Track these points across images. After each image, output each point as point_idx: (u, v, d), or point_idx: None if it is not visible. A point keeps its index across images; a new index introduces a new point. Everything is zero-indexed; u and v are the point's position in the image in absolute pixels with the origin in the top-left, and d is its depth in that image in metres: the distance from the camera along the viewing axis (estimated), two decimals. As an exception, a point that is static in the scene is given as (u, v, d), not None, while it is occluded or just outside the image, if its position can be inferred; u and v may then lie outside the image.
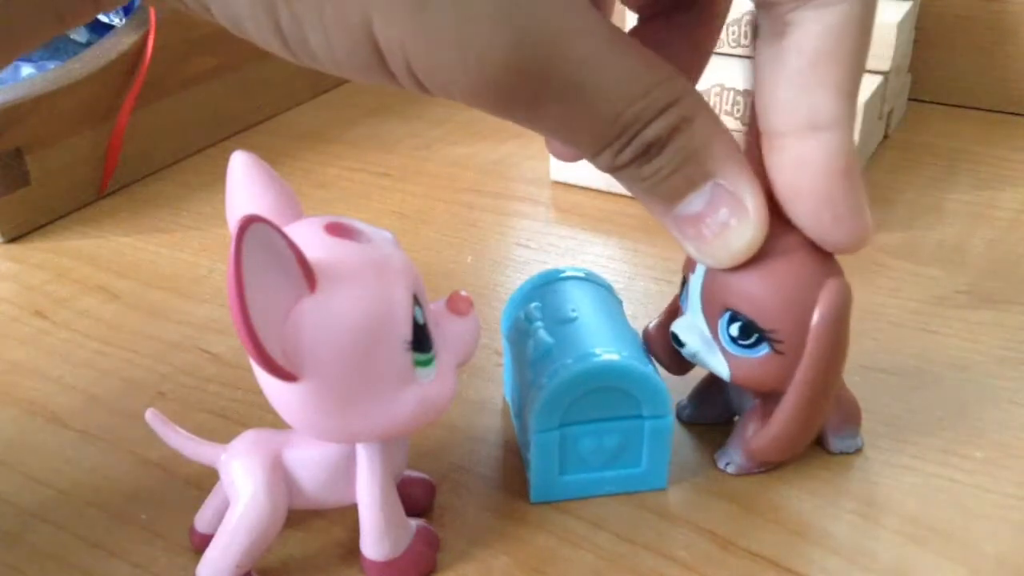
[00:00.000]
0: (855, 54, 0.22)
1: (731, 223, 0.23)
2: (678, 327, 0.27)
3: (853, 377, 0.33)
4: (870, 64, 0.49)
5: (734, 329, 0.26)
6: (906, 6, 0.51)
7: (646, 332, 0.30)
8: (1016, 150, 0.52)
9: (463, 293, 0.25)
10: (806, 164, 0.23)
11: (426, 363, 0.23)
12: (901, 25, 0.49)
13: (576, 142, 0.22)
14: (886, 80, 0.49)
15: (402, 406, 0.23)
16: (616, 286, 0.40)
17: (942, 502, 0.28)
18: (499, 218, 0.46)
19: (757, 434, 0.27)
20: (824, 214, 0.24)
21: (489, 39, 0.19)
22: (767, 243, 0.24)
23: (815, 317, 0.25)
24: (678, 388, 0.32)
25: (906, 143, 0.53)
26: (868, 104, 0.45)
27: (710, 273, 0.26)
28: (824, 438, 0.30)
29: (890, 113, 0.53)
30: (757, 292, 0.25)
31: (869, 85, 0.47)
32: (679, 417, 0.32)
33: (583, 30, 0.20)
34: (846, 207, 0.23)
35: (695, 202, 0.23)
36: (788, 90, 0.23)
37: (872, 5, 0.22)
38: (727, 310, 0.26)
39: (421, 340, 0.23)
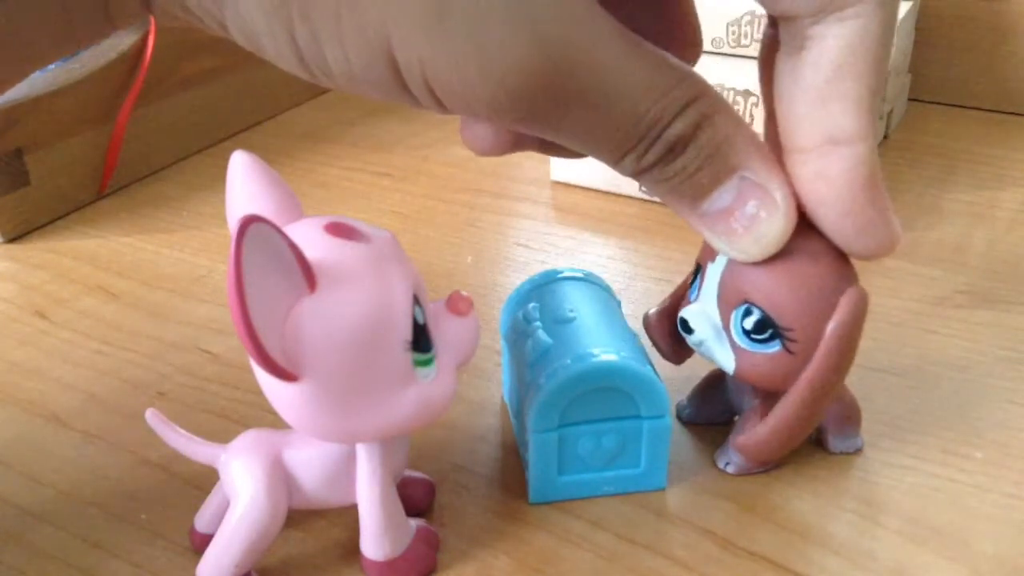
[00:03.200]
0: (874, 69, 0.22)
1: (761, 215, 0.23)
2: (688, 313, 0.27)
3: (853, 377, 0.33)
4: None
5: (749, 322, 0.26)
6: (906, 6, 0.51)
7: (646, 318, 0.30)
8: (1016, 150, 0.52)
9: (463, 293, 0.25)
10: (827, 177, 0.23)
11: (426, 363, 0.23)
12: (901, 25, 0.49)
13: (599, 148, 0.22)
14: (886, 80, 0.49)
15: (402, 406, 0.23)
16: (616, 286, 0.40)
17: (942, 502, 0.28)
18: (499, 218, 0.47)
19: (748, 431, 0.27)
20: (847, 225, 0.24)
21: (509, 49, 0.19)
22: (795, 244, 0.24)
23: (832, 323, 0.25)
24: (678, 388, 0.32)
25: (906, 143, 0.53)
26: (868, 104, 0.45)
27: (732, 264, 0.26)
28: (824, 438, 0.30)
29: (890, 113, 0.53)
30: (780, 289, 0.25)
31: (869, 85, 0.47)
32: (679, 417, 0.32)
33: (599, 34, 0.20)
34: (869, 218, 0.23)
35: (722, 197, 0.23)
36: (806, 105, 0.23)
37: (892, 20, 0.22)
38: (745, 302, 0.25)
39: (421, 340, 0.23)
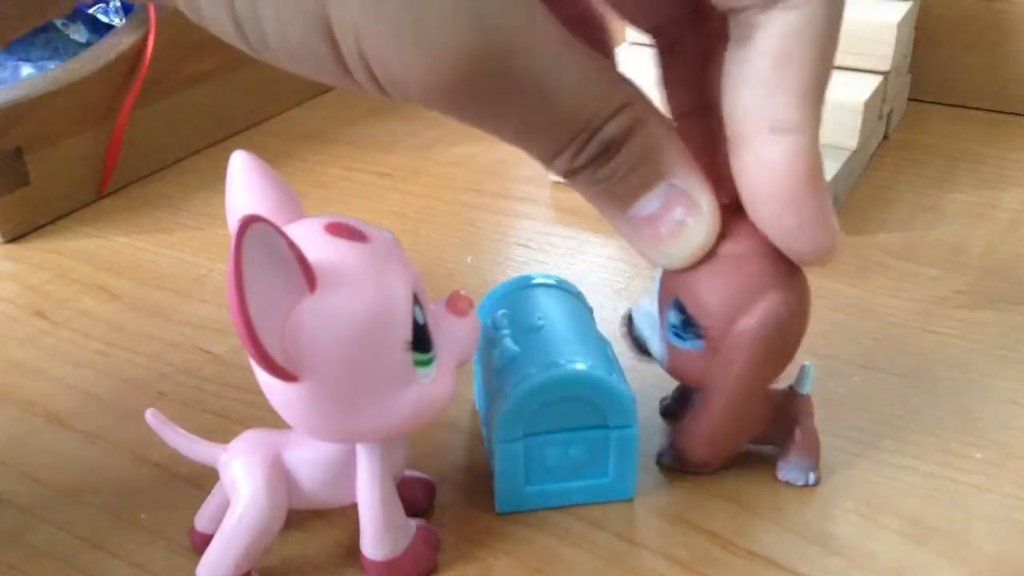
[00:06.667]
0: (819, 57, 0.22)
1: (687, 221, 0.24)
2: (636, 311, 0.28)
3: (853, 377, 0.33)
4: (870, 64, 0.49)
5: (676, 319, 0.26)
6: (906, 6, 0.51)
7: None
8: (1016, 150, 0.52)
9: (463, 293, 0.25)
10: (767, 164, 0.23)
11: (426, 363, 0.23)
12: (901, 25, 0.49)
13: (534, 142, 0.22)
14: (886, 80, 0.49)
15: (402, 406, 0.23)
16: (616, 286, 0.40)
17: (942, 502, 0.28)
18: (499, 218, 0.47)
19: (683, 431, 0.28)
20: (787, 219, 0.23)
21: (448, 28, 0.19)
22: (727, 245, 0.24)
23: (740, 324, 0.25)
24: (669, 386, 0.32)
25: (906, 143, 0.53)
26: (868, 104, 0.45)
27: None
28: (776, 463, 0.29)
29: (890, 113, 0.53)
30: (702, 288, 0.25)
31: (869, 85, 0.47)
32: (660, 412, 0.32)
33: (540, 27, 0.20)
34: (809, 214, 0.23)
35: (650, 203, 0.23)
36: (750, 93, 0.22)
37: (839, 8, 0.22)
38: (674, 300, 0.26)
39: (421, 340, 0.23)
